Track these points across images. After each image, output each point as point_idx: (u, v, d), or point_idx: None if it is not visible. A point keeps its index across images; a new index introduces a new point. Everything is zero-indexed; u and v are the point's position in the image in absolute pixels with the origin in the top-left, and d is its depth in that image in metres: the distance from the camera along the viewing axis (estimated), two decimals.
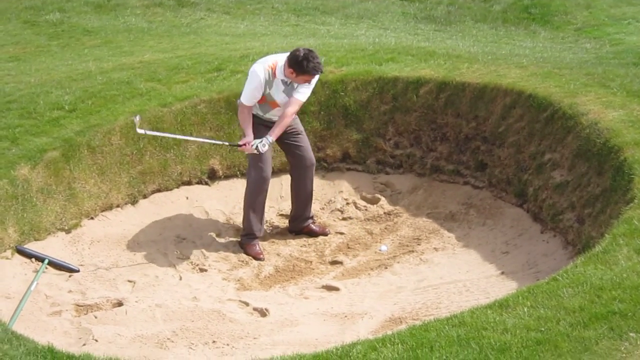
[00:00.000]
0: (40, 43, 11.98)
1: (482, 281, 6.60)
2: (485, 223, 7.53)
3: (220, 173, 8.22)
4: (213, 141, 7.73)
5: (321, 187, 8.22)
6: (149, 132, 7.26)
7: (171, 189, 8.02)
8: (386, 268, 7.02)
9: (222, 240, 7.54)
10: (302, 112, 7.81)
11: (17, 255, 6.78)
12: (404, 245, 7.41)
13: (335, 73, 8.60)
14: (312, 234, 7.62)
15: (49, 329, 6.04)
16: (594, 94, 7.55)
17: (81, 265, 6.96)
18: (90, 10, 13.75)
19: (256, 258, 7.26)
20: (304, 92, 7.02)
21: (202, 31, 12.29)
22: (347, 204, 8.11)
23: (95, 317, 6.19)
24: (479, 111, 7.97)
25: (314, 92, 7.25)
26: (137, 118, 6.94)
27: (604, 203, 6.40)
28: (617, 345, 4.49)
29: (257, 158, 7.17)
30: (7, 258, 6.68)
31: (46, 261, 6.77)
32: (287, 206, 7.89)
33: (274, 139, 7.05)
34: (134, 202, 7.79)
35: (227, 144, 7.68)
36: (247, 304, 6.45)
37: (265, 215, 7.51)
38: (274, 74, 6.95)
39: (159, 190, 7.96)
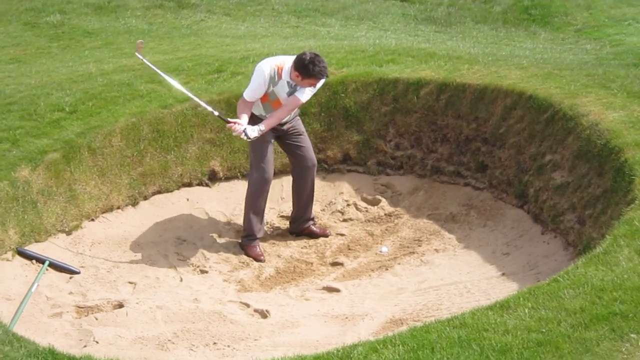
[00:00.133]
0: (40, 45, 11.98)
1: (483, 282, 6.59)
2: (485, 224, 7.52)
3: (221, 174, 8.21)
4: (204, 104, 7.28)
5: (322, 189, 8.21)
6: (146, 61, 7.27)
7: (172, 191, 8.01)
8: (387, 269, 7.02)
9: (222, 241, 7.54)
10: (303, 113, 7.82)
11: (17, 257, 6.77)
12: (404, 246, 7.41)
13: (336, 74, 8.58)
14: (313, 235, 7.62)
15: (49, 330, 6.04)
16: (594, 95, 7.55)
17: (82, 266, 6.95)
18: (90, 12, 13.74)
19: (257, 259, 7.25)
20: (306, 94, 7.01)
21: (202, 33, 12.28)
22: (348, 205, 8.10)
23: (96, 319, 6.18)
24: (479, 112, 7.97)
25: (315, 94, 7.25)
26: (140, 42, 6.88)
27: (604, 204, 6.40)
28: (618, 346, 4.49)
29: (259, 159, 7.17)
30: (8, 260, 6.67)
31: (47, 263, 6.77)
32: (287, 208, 7.89)
33: (266, 129, 6.96)
34: (134, 204, 7.79)
35: (216, 113, 7.15)
36: (247, 306, 6.45)
37: (266, 216, 7.52)
38: (279, 75, 6.94)
39: (159, 192, 7.96)
